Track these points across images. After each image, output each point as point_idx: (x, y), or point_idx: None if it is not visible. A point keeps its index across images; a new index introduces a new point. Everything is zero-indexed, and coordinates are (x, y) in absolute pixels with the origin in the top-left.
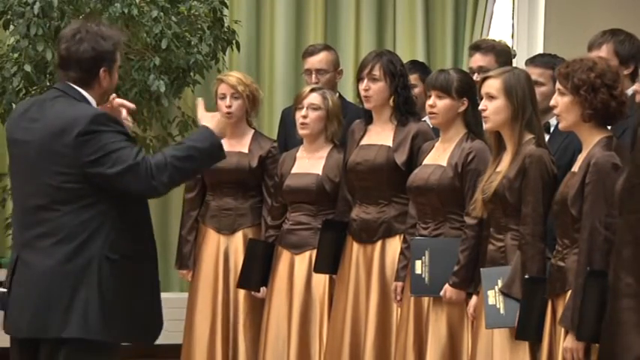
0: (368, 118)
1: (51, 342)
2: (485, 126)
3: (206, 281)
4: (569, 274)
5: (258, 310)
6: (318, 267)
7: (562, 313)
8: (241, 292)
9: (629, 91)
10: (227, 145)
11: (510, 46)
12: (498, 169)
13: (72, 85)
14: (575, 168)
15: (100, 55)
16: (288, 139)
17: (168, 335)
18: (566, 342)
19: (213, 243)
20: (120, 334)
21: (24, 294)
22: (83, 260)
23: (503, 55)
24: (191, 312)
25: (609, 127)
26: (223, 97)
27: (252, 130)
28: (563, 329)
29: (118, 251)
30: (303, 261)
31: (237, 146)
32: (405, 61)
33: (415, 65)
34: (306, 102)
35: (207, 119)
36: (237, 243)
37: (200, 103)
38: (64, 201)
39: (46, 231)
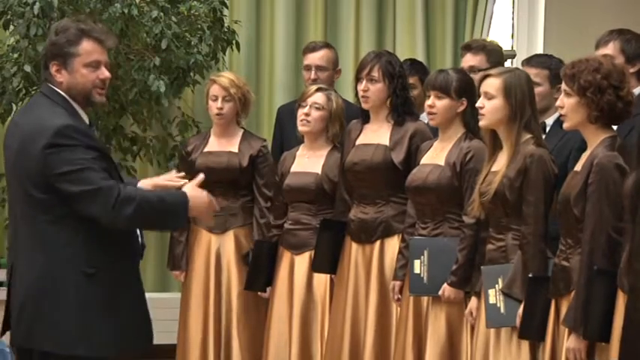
0: (365, 117)
1: (39, 353)
2: (480, 123)
3: (198, 281)
4: (573, 274)
5: (251, 311)
6: (316, 266)
7: (566, 313)
8: (234, 293)
9: (636, 91)
10: (217, 145)
11: (501, 45)
12: (494, 169)
13: (48, 84)
14: (578, 167)
15: (49, 51)
16: (284, 136)
17: (169, 335)
18: (569, 342)
19: (205, 243)
20: (102, 347)
21: (13, 302)
22: (59, 274)
23: (494, 54)
24: (185, 312)
25: (614, 127)
26: (215, 99)
27: (242, 130)
28: (566, 329)
29: (94, 264)
30: (303, 261)
31: (227, 146)
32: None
33: (415, 66)
34: (310, 100)
35: (191, 189)
36: (228, 242)
37: (200, 177)
38: (38, 209)
39: (27, 237)
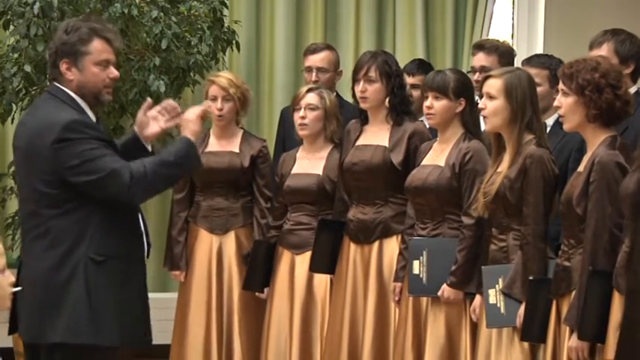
0: (364, 118)
1: (46, 346)
2: (485, 127)
3: (200, 282)
4: (574, 273)
5: (252, 311)
6: (314, 266)
7: (567, 312)
8: (235, 294)
9: (631, 91)
10: (218, 145)
11: (513, 47)
12: (499, 170)
13: (55, 83)
14: (581, 168)
15: (58, 49)
16: (287, 138)
17: (170, 336)
18: (571, 341)
19: (206, 243)
20: (109, 337)
21: (23, 298)
22: (71, 265)
23: (506, 56)
24: (183, 313)
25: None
26: (214, 99)
27: (242, 130)
28: (568, 328)
29: (103, 253)
30: (304, 261)
31: (228, 146)
32: (404, 61)
33: (421, 66)
34: (303, 102)
35: (185, 126)
36: (230, 243)
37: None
38: (48, 206)
39: (36, 236)
